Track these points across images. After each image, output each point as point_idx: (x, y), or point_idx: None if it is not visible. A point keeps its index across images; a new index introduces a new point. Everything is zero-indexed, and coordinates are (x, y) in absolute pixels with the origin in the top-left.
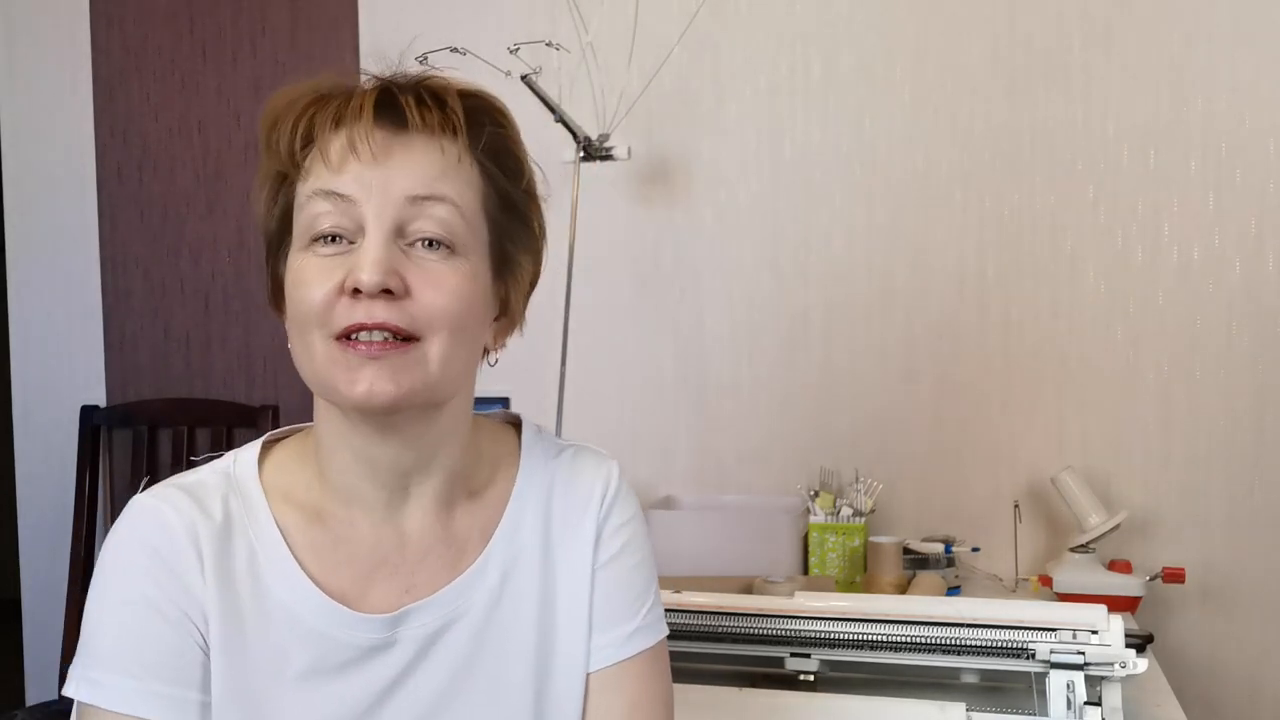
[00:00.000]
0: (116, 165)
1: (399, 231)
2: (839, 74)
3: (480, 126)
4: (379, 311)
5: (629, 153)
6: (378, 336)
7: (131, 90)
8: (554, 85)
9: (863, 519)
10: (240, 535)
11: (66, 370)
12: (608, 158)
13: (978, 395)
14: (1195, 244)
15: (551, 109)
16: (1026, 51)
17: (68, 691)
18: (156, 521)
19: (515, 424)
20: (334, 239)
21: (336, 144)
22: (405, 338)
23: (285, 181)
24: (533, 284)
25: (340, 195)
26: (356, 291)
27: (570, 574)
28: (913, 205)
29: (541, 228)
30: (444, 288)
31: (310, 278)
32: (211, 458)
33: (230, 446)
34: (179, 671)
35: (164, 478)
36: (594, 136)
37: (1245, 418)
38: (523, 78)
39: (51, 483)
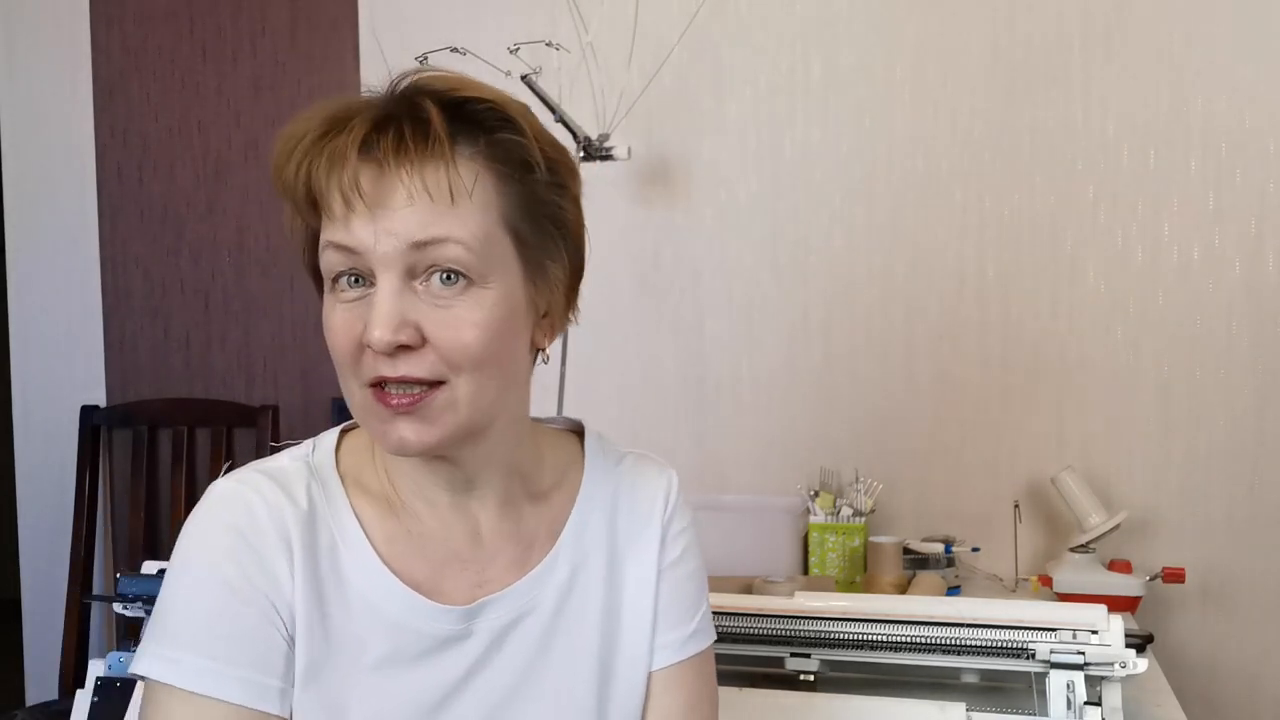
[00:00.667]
0: (116, 165)
1: (410, 273)
2: (839, 74)
3: (476, 138)
4: (400, 366)
5: (629, 153)
6: (406, 389)
7: (131, 90)
8: (554, 85)
9: (863, 519)
10: (323, 523)
11: (66, 370)
12: (608, 158)
13: (978, 395)
14: (1195, 244)
15: (551, 109)
16: (1026, 51)
17: (138, 668)
18: (241, 505)
19: (578, 431)
20: (355, 280)
21: (335, 194)
22: (433, 382)
23: (308, 225)
24: (576, 274)
25: (347, 248)
26: None
27: (636, 575)
28: (913, 205)
29: (576, 215)
30: (462, 328)
31: (335, 325)
32: (290, 444)
33: (230, 446)
34: (260, 656)
35: (165, 479)
36: (594, 136)
37: (1245, 418)
38: (523, 78)
39: (51, 483)
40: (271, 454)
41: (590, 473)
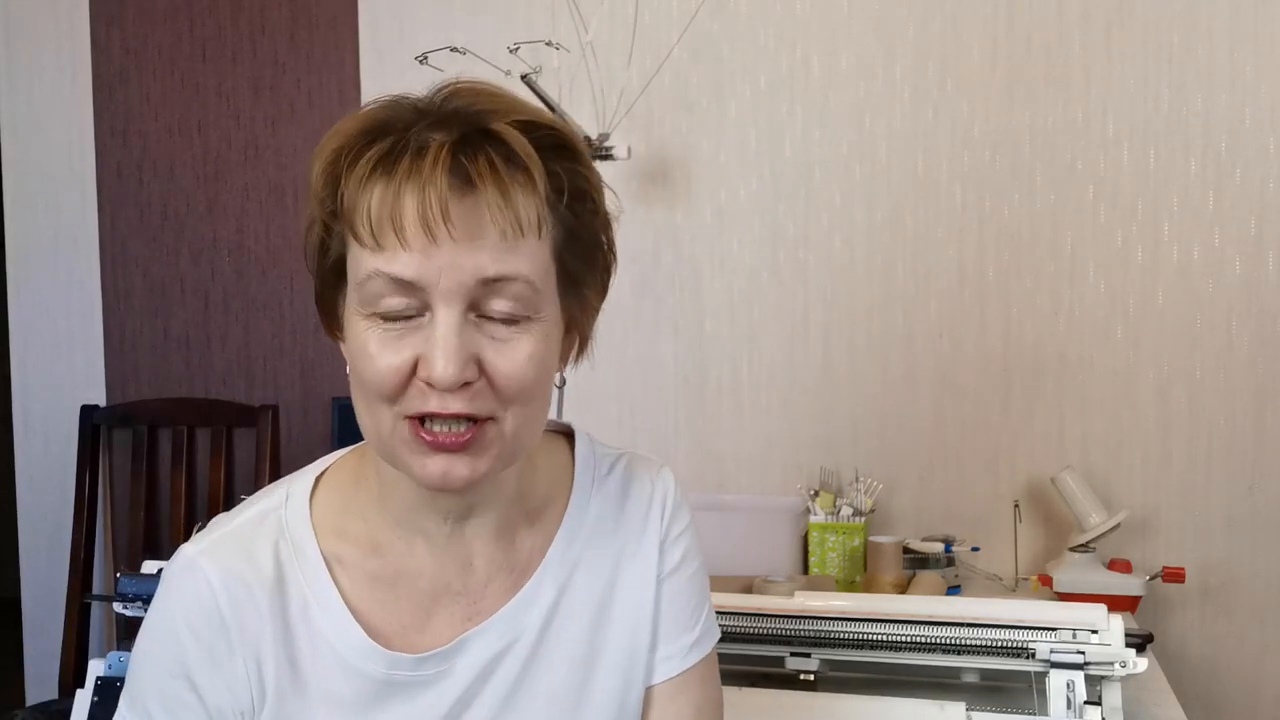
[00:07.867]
0: (116, 165)
1: (472, 306)
2: (839, 74)
3: (554, 169)
4: (454, 403)
5: (629, 153)
6: (455, 426)
7: (131, 90)
8: (554, 85)
9: (863, 519)
10: (293, 583)
11: (66, 370)
12: (608, 158)
13: (978, 395)
14: (1195, 244)
15: (551, 109)
16: (1026, 51)
17: None
18: (202, 588)
19: (566, 433)
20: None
21: (414, 221)
22: (481, 418)
23: (335, 233)
24: (603, 297)
25: (405, 282)
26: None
27: (633, 584)
28: (913, 205)
29: (610, 241)
30: (518, 361)
31: (375, 351)
32: (261, 497)
33: (230, 446)
34: None
35: (165, 479)
36: (594, 136)
37: (1245, 418)
38: (523, 77)
39: (51, 483)
40: (241, 504)
41: (580, 483)
